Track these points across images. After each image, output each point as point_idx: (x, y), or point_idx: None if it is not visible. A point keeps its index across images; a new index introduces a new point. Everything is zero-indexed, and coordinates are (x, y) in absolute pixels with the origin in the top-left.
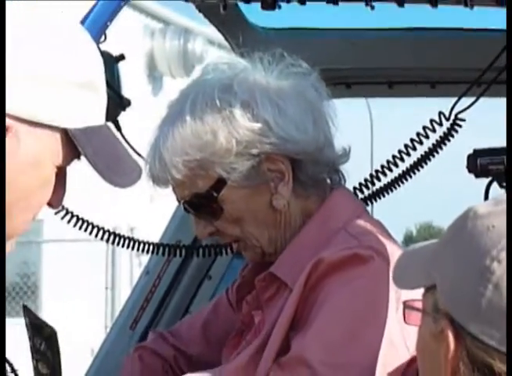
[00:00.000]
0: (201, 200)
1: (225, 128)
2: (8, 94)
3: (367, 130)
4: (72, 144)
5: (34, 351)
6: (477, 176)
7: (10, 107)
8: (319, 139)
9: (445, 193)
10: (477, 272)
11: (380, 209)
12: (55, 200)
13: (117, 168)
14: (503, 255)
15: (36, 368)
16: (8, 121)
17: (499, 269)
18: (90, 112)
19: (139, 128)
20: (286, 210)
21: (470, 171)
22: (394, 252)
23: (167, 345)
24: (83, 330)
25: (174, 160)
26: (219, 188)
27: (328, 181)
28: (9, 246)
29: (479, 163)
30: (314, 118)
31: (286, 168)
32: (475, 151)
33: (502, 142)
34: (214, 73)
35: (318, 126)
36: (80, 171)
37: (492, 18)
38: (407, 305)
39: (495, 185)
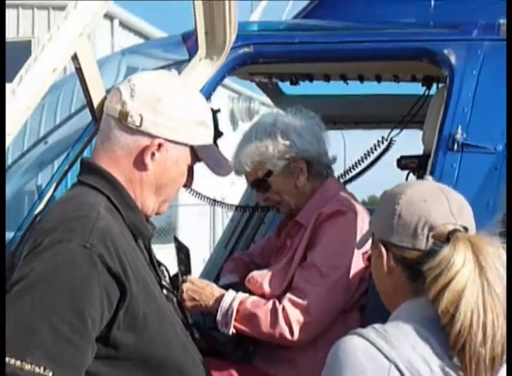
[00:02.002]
0: (259, 182)
1: (272, 144)
2: (165, 126)
3: (341, 147)
4: (195, 153)
5: (178, 259)
6: (402, 169)
7: (167, 133)
8: (320, 150)
9: (382, 179)
10: (390, 212)
11: (349, 187)
12: (188, 184)
13: (219, 166)
14: (401, 201)
15: (179, 266)
16: (162, 141)
17: (398, 208)
18: (205, 137)
19: (226, 148)
20: (303, 187)
21: (398, 166)
22: (360, 209)
23: (246, 256)
24: (198, 249)
25: (246, 161)
26: (269, 176)
27: (325, 173)
28: (166, 207)
29: (403, 162)
30: (317, 140)
31: (304, 166)
32: (401, 156)
33: (416, 152)
34: (265, 118)
35: (320, 144)
36: (198, 168)
37: (409, 88)
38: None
39: (411, 174)
